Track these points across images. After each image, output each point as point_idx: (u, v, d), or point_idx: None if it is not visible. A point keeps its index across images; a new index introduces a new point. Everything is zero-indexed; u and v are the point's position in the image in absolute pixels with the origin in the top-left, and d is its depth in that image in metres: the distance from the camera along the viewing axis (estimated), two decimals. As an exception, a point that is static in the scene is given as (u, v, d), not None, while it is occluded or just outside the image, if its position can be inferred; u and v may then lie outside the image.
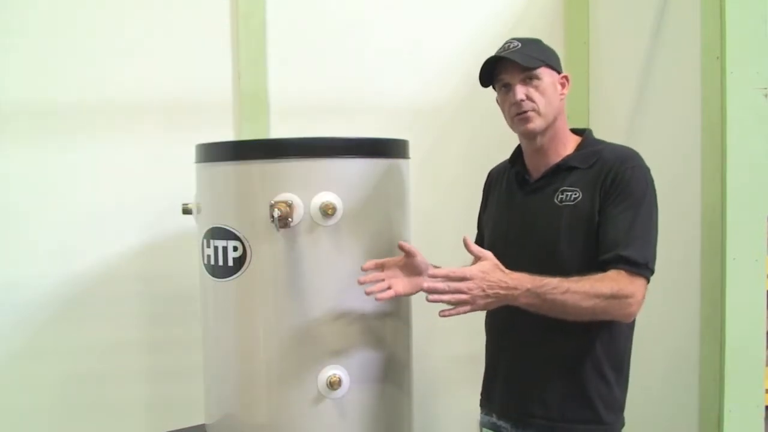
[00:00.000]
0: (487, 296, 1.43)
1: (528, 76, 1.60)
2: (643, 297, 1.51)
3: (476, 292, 1.41)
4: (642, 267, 1.50)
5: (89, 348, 2.30)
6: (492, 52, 1.66)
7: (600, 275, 1.49)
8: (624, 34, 2.44)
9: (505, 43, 1.65)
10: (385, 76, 2.53)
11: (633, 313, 1.51)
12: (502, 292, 1.43)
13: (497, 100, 1.70)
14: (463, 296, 1.41)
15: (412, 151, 1.95)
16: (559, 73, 1.66)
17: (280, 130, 2.40)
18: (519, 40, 1.64)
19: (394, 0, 2.56)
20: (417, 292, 1.66)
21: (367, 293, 1.59)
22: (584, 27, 2.61)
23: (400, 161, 1.88)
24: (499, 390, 1.73)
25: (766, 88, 1.71)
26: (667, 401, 2.14)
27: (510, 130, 1.69)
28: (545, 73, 1.61)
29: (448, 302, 1.42)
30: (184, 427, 1.98)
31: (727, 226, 1.74)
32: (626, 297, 1.47)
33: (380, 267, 1.66)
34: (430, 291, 1.41)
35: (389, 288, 1.61)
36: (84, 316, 2.29)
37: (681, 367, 2.02)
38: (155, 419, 2.30)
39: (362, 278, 1.62)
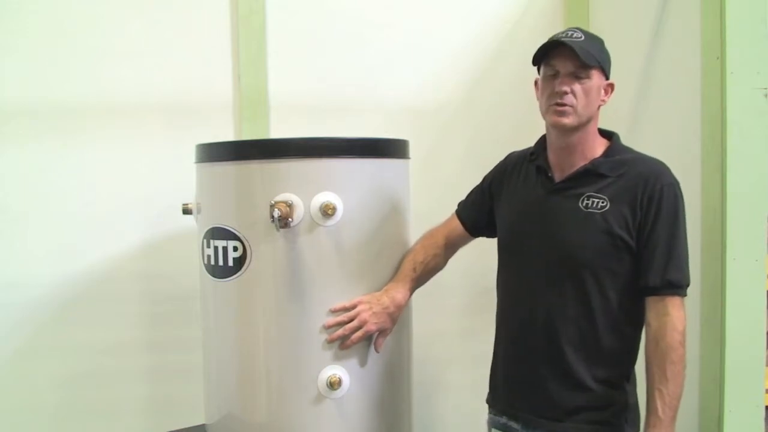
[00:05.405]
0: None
1: (579, 72, 1.56)
2: (684, 308, 1.57)
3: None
4: (683, 287, 1.57)
5: (89, 348, 2.29)
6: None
7: (654, 344, 1.54)
8: (624, 34, 2.44)
9: (568, 30, 1.61)
10: (385, 76, 2.53)
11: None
12: None
13: (535, 82, 1.66)
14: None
15: (412, 151, 1.95)
16: (607, 78, 1.63)
17: (280, 130, 2.40)
18: (583, 32, 1.60)
19: (394, 0, 2.56)
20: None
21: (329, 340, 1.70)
22: (584, 27, 2.60)
23: (400, 161, 1.88)
24: (509, 391, 1.72)
25: (766, 88, 1.71)
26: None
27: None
28: (595, 75, 1.58)
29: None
30: (184, 427, 1.98)
31: (727, 227, 1.74)
32: (682, 330, 1.54)
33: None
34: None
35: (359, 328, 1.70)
36: (84, 316, 2.29)
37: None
38: (155, 419, 2.29)
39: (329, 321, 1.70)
